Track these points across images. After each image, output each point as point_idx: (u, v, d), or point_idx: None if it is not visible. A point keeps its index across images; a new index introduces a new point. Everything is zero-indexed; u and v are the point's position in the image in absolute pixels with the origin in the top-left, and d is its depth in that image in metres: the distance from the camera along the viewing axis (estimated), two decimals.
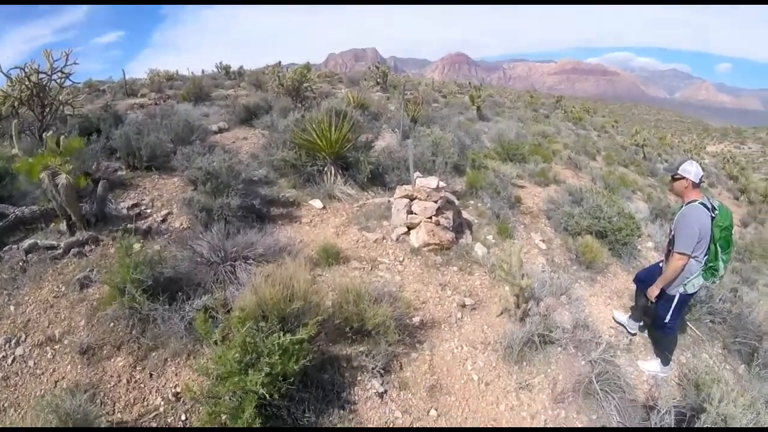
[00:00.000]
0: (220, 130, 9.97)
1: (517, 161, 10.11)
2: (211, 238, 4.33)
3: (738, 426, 3.06)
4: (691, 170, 3.45)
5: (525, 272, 4.19)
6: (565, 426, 3.43)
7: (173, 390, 3.19)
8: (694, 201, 3.46)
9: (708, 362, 4.34)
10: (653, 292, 3.78)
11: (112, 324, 3.59)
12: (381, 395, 3.37)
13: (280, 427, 2.90)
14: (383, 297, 3.86)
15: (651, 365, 4.13)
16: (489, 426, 3.34)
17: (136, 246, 4.55)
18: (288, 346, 2.88)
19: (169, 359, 3.41)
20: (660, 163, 18.23)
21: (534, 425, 3.38)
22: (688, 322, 4.89)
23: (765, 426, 3.41)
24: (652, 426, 3.20)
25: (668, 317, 3.77)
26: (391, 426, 3.20)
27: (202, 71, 24.14)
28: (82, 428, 2.58)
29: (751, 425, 3.09)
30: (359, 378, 3.45)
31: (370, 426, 3.16)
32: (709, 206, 3.41)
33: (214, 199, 5.17)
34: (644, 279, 4.17)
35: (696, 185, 3.49)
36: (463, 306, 4.44)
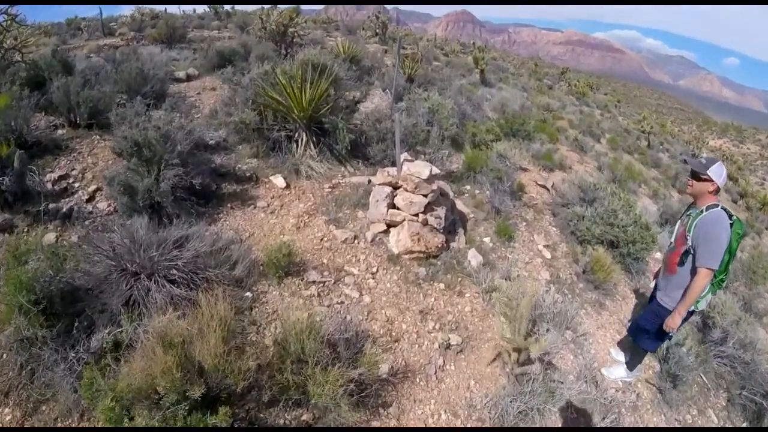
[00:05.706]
0: (188, 78, 8.51)
1: (521, 137, 8.97)
2: (123, 238, 3.14)
3: None
4: (722, 174, 2.93)
5: (534, 322, 3.19)
6: None
7: None
8: (716, 206, 2.92)
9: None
10: (675, 322, 3.02)
11: (5, 356, 2.66)
12: None
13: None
14: (340, 342, 2.81)
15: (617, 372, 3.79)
16: None
17: (49, 237, 3.60)
18: None
19: (59, 419, 2.49)
20: (662, 152, 17.16)
21: None
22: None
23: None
24: None
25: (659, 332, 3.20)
26: None
27: (194, 10, 22.08)
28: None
29: None
30: None
31: None
32: (727, 213, 2.92)
33: (143, 178, 3.91)
34: (644, 326, 3.39)
35: (719, 190, 3.00)
36: (447, 347, 3.41)
